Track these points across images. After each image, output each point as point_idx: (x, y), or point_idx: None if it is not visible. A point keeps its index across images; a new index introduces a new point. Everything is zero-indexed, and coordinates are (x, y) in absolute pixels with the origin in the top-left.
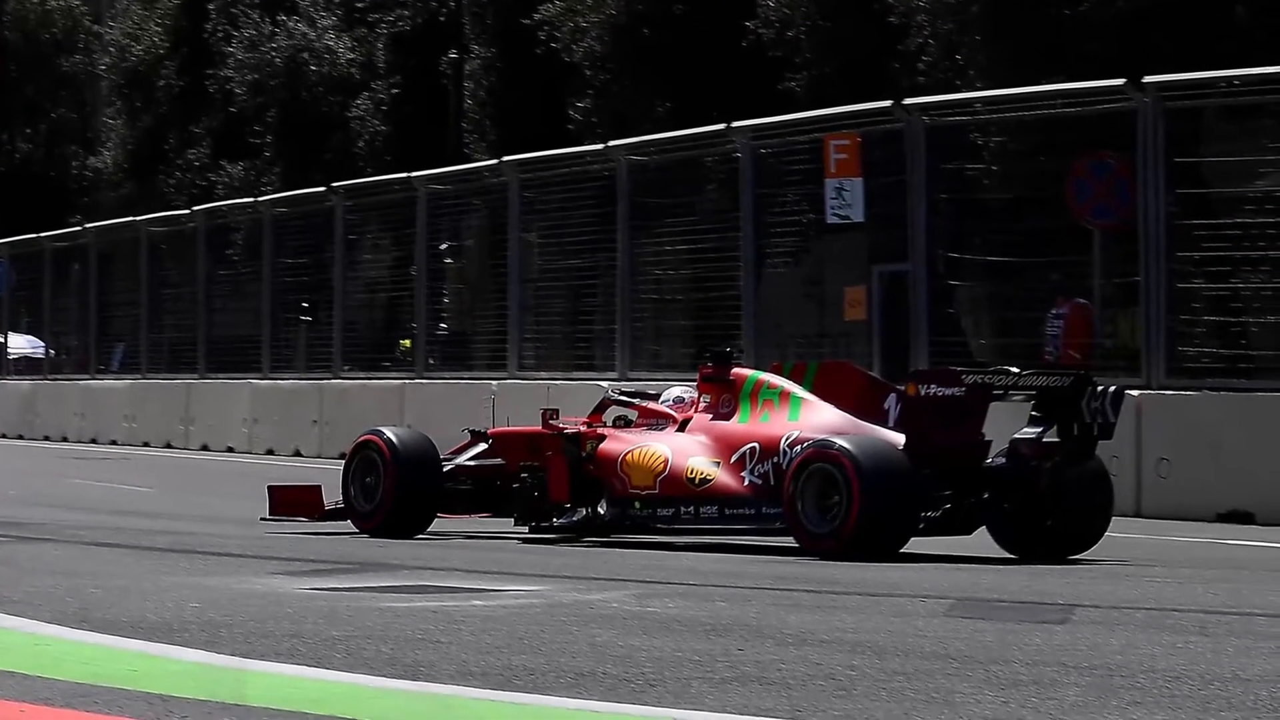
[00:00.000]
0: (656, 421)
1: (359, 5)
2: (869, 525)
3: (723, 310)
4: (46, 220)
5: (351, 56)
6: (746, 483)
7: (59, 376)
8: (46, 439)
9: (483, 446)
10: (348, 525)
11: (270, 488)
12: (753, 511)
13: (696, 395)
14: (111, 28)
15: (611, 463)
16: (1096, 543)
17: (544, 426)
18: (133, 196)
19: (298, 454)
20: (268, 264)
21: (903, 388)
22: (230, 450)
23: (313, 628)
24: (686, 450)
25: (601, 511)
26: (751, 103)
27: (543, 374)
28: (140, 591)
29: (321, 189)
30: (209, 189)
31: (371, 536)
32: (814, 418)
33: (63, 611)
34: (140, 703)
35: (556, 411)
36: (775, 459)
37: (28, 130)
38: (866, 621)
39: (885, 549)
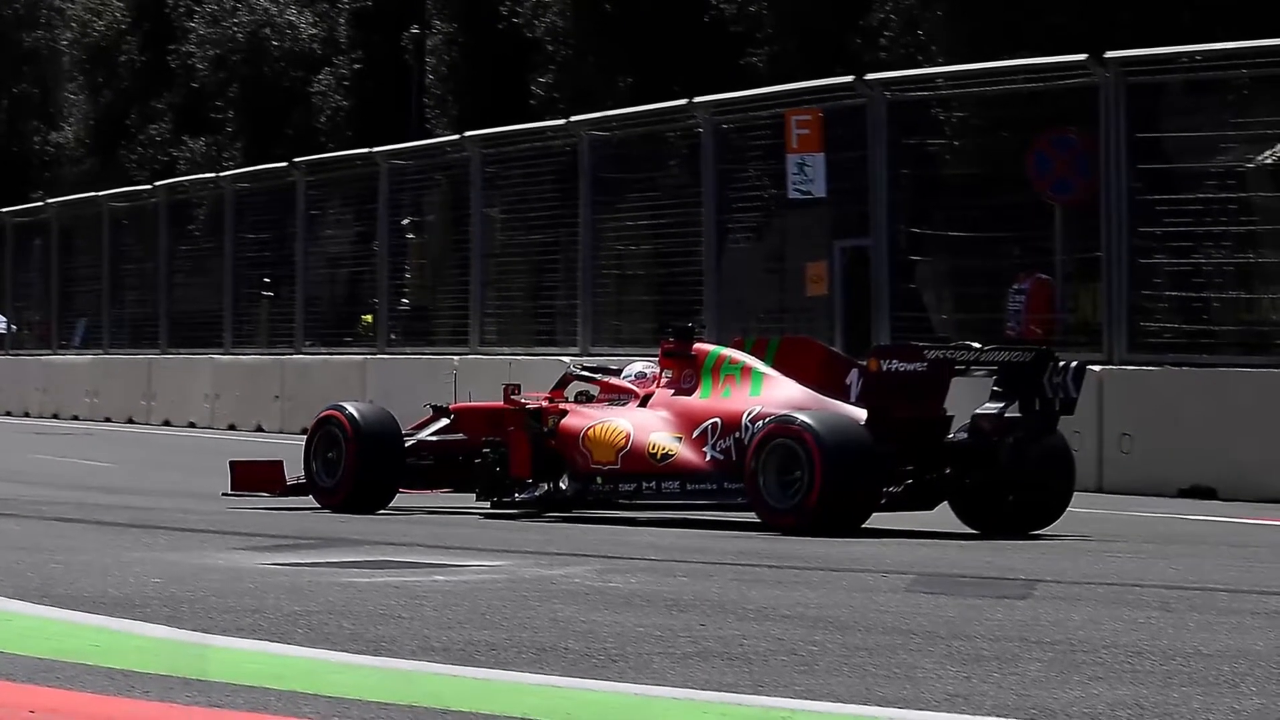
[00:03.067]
0: (618, 397)
1: None
2: (831, 500)
3: (684, 285)
4: (8, 195)
5: (313, 32)
6: (708, 458)
7: (20, 352)
8: (8, 414)
9: (445, 422)
10: (309, 501)
11: (232, 463)
12: (714, 487)
13: (658, 371)
14: (73, 3)
15: (573, 438)
16: (1058, 518)
17: (506, 402)
18: (95, 172)
19: (259, 429)
20: (229, 239)
21: (865, 363)
22: (192, 425)
23: (274, 603)
24: (648, 426)
25: (563, 487)
26: (713, 78)
27: (505, 349)
28: (102, 567)
29: (283, 164)
30: (171, 164)
31: (333, 512)
32: (776, 393)
33: (24, 587)
34: (102, 678)
35: (518, 387)
36: (737, 434)
37: None
38: (828, 597)
39: (847, 524)
